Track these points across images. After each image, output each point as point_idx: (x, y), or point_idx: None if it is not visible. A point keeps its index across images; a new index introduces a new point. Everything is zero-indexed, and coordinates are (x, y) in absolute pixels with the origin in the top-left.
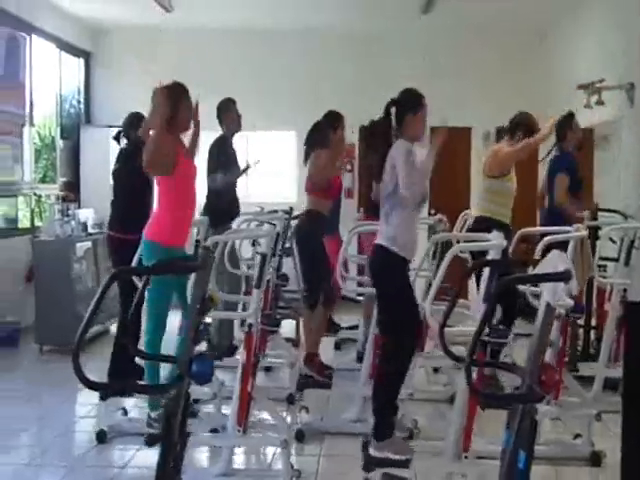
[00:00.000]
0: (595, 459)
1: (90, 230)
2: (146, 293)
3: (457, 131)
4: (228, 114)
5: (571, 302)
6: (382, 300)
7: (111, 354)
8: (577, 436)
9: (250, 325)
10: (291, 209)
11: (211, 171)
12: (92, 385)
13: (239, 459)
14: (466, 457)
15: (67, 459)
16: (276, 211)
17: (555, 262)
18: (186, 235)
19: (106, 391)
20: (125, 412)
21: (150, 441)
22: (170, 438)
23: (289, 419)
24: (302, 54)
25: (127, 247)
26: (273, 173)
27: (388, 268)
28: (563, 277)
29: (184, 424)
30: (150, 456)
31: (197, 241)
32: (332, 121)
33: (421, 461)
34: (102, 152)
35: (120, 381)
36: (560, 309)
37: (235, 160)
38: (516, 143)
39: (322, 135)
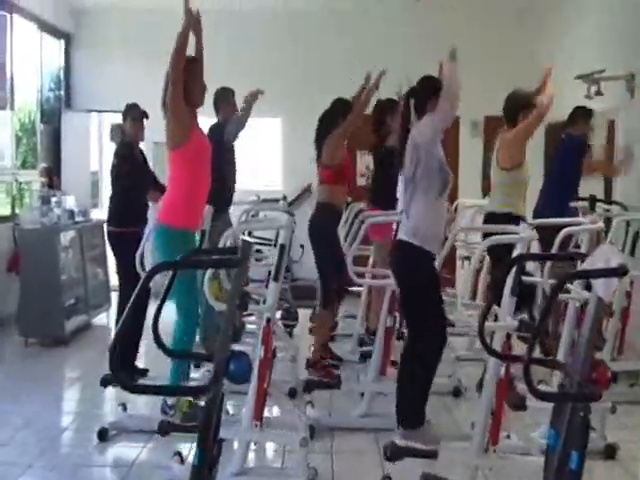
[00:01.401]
0: (610, 452)
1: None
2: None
3: None
4: (226, 105)
5: (587, 295)
6: (408, 300)
7: (112, 348)
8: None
9: (268, 319)
10: (285, 197)
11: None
12: (130, 387)
13: (250, 456)
14: (494, 451)
15: (70, 459)
16: (277, 200)
17: (606, 255)
18: (199, 218)
19: (135, 391)
20: (124, 408)
21: (165, 429)
22: (208, 442)
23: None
24: (287, 38)
25: (128, 241)
26: (258, 160)
27: (412, 265)
28: (620, 272)
29: (218, 427)
30: (158, 453)
31: (203, 231)
32: (342, 107)
33: (446, 452)
34: (83, 137)
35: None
36: (577, 302)
37: (232, 153)
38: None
39: (332, 123)
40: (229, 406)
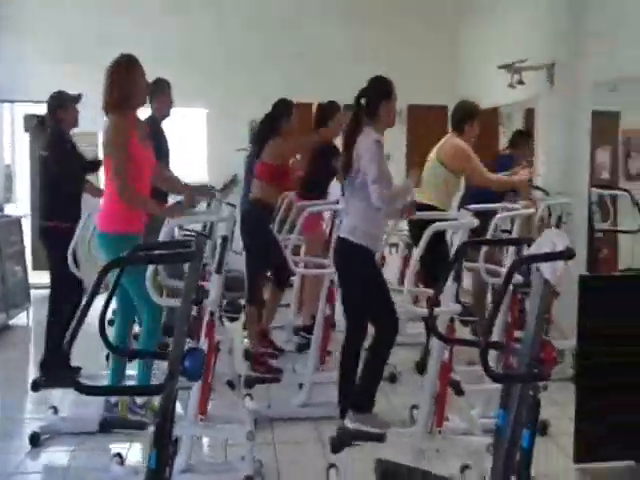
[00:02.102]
0: (542, 428)
1: None
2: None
3: None
4: (162, 96)
5: (518, 277)
6: (352, 295)
7: (47, 348)
8: None
9: (212, 313)
10: (212, 187)
11: None
12: (86, 389)
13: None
14: (439, 432)
15: (2, 468)
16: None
17: (552, 240)
18: (141, 222)
19: (92, 393)
20: (55, 410)
21: (107, 426)
22: (165, 441)
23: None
24: (213, 28)
25: (62, 236)
26: (183, 151)
27: (353, 261)
28: (568, 255)
29: (172, 425)
30: (95, 455)
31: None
32: (285, 109)
33: (390, 437)
34: None
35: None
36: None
37: (167, 148)
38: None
39: (276, 124)
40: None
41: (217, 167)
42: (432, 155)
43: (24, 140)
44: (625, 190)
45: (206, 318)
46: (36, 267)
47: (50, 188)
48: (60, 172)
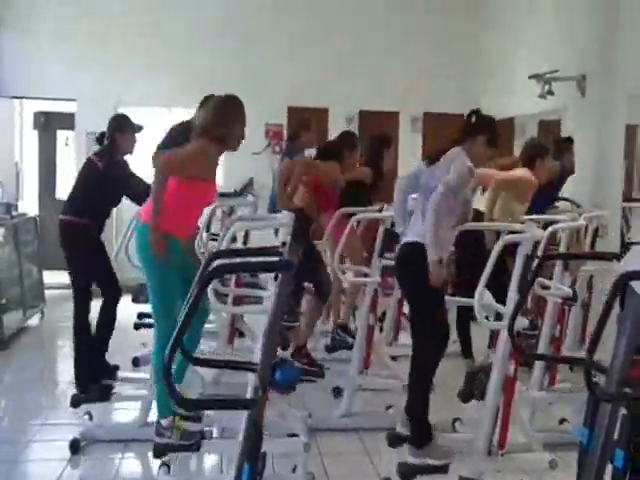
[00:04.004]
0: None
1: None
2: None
3: (384, 115)
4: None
5: (568, 290)
6: (415, 299)
7: (78, 356)
8: (563, 421)
9: None
10: (235, 191)
11: None
12: (183, 402)
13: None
14: (502, 455)
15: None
16: (229, 195)
17: None
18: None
19: (188, 407)
20: (90, 417)
21: (160, 451)
22: (257, 455)
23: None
24: (177, 25)
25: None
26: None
27: (423, 266)
28: None
29: (262, 440)
30: (136, 465)
31: None
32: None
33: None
34: (7, 126)
35: (98, 384)
36: (556, 298)
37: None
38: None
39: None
40: None
41: (233, 171)
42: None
43: (33, 138)
44: None
45: None
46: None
47: (91, 193)
48: (111, 184)
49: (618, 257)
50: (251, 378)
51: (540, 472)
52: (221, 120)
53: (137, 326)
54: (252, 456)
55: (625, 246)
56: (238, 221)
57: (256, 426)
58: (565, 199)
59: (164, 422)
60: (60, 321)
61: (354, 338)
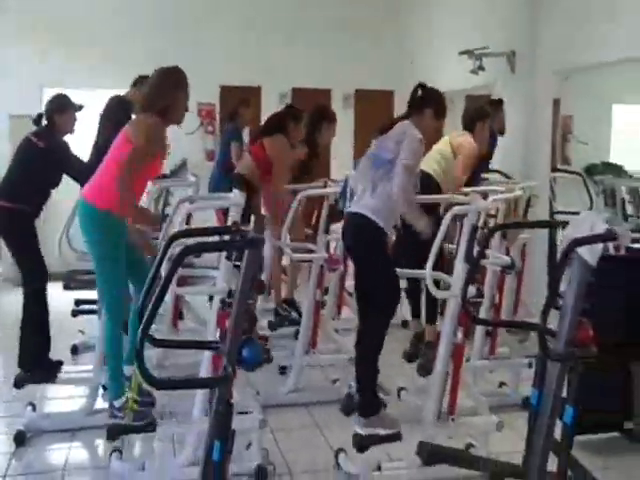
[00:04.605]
0: (526, 403)
1: None
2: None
3: (317, 93)
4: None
5: (507, 259)
6: (364, 270)
7: (23, 335)
8: (502, 384)
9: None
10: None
11: None
12: (157, 383)
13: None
14: (453, 420)
15: None
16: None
17: (590, 222)
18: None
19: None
20: (34, 407)
21: (115, 433)
22: (227, 433)
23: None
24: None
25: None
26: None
27: (371, 239)
28: (612, 237)
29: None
30: (86, 454)
31: None
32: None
33: (405, 425)
34: None
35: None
36: (495, 266)
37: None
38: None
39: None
40: None
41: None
42: (444, 147)
43: None
44: (578, 174)
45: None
46: None
47: (31, 174)
48: (53, 164)
49: (564, 225)
50: (206, 358)
51: (488, 434)
52: (164, 92)
53: (75, 313)
54: (223, 433)
55: (553, 215)
56: (189, 200)
57: (226, 403)
58: (496, 171)
59: (117, 403)
60: None
61: (299, 313)
